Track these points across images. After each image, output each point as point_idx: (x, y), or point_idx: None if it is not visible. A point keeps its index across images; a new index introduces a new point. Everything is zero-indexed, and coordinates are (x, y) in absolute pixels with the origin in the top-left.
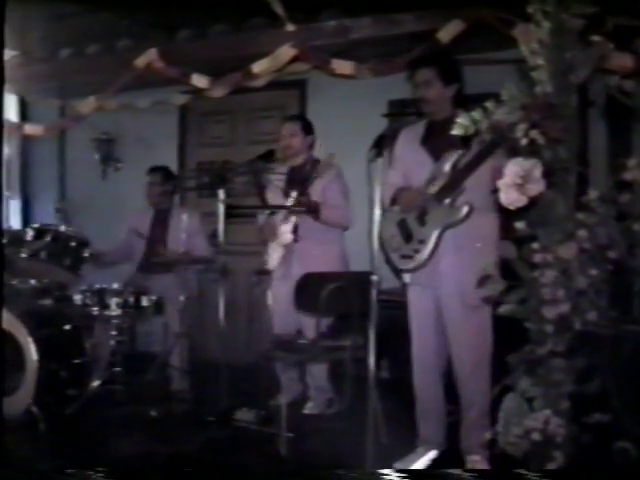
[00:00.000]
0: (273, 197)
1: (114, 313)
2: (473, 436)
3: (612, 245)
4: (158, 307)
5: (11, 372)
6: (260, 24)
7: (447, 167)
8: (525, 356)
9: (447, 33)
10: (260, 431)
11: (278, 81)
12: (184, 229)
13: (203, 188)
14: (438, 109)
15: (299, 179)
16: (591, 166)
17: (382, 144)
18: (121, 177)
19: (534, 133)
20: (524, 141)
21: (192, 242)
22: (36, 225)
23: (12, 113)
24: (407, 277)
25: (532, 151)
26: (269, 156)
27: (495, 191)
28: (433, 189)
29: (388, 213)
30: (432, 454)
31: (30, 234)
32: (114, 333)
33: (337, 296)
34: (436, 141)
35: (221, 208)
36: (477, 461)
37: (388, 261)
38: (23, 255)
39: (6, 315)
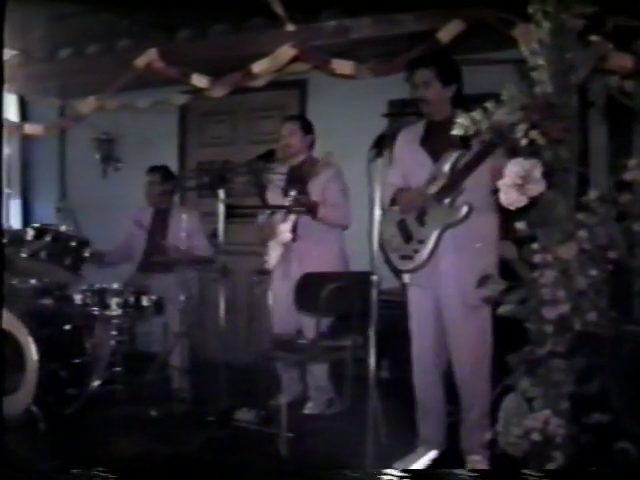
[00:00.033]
0: (273, 197)
1: (114, 313)
2: (473, 436)
3: (612, 245)
4: (158, 307)
5: (11, 372)
6: (260, 24)
7: (446, 167)
8: (525, 356)
9: (447, 33)
10: (260, 431)
11: (278, 81)
12: (184, 229)
13: (203, 188)
14: (437, 109)
15: (298, 178)
16: (591, 166)
17: (382, 144)
18: (121, 177)
19: (534, 133)
20: (524, 141)
21: (192, 242)
22: (36, 225)
23: (12, 113)
24: (407, 277)
25: (532, 151)
26: (269, 156)
27: (495, 191)
28: (432, 189)
29: (388, 213)
30: (432, 454)
31: (30, 234)
32: (114, 333)
33: (337, 296)
34: (435, 141)
35: (221, 208)
36: (477, 461)
37: (388, 261)
38: (23, 255)
39: (6, 315)
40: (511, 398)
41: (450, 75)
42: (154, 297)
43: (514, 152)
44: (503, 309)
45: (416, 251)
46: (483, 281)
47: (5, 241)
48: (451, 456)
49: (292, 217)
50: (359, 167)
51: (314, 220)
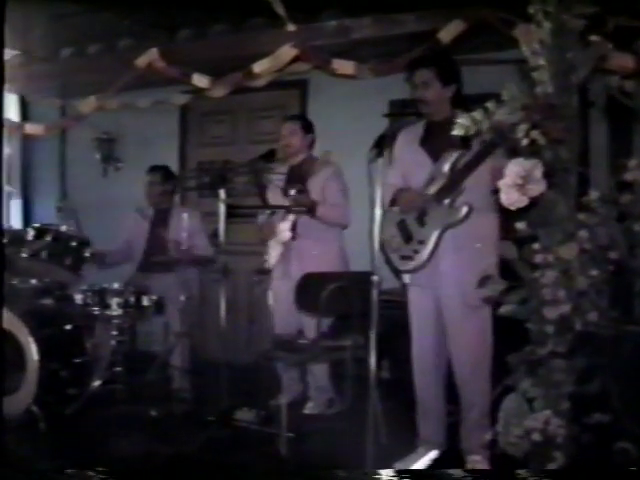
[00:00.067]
0: (273, 196)
1: (115, 313)
2: (473, 436)
3: (613, 246)
4: (159, 307)
5: (12, 372)
6: (261, 24)
7: (446, 167)
8: (526, 356)
9: (448, 33)
10: (260, 431)
11: (279, 81)
12: (185, 229)
13: (204, 188)
14: (437, 110)
15: (298, 178)
16: (592, 167)
17: (383, 144)
18: (122, 177)
19: (535, 133)
20: (525, 141)
21: (193, 242)
22: (37, 225)
23: (13, 113)
24: (407, 278)
25: (533, 151)
26: (270, 156)
27: (496, 191)
28: (432, 190)
29: (388, 214)
30: (432, 454)
31: (31, 234)
32: (115, 333)
33: (338, 296)
34: (435, 142)
35: (222, 208)
36: (477, 461)
37: (388, 262)
38: (24, 255)
39: (7, 315)
40: (511, 398)
41: (450, 75)
42: (155, 297)
43: (515, 152)
44: (504, 309)
45: (416, 251)
46: (483, 281)
47: (6, 241)
48: (451, 456)
49: (291, 216)
50: (359, 167)
51: (313, 219)
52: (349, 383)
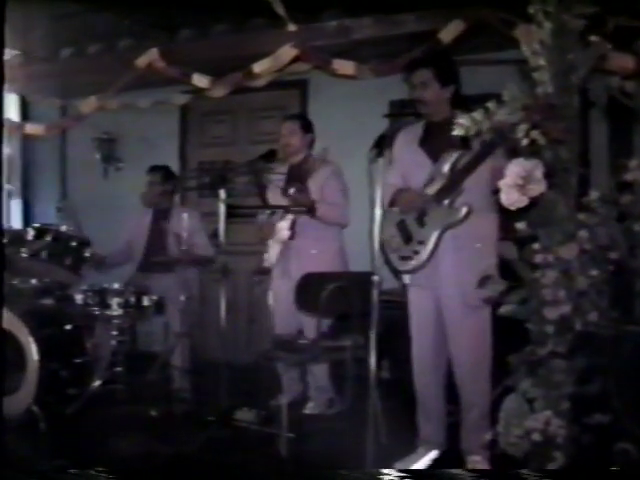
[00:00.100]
0: (273, 196)
1: (115, 313)
2: (473, 437)
3: (613, 246)
4: (159, 307)
5: (12, 372)
6: (261, 24)
7: (446, 168)
8: (526, 357)
9: (448, 33)
10: (260, 431)
11: (279, 81)
12: (185, 229)
13: (204, 188)
14: (436, 110)
15: (298, 177)
16: (592, 167)
17: (383, 144)
18: (122, 177)
19: (535, 134)
20: (525, 142)
21: (193, 242)
22: (37, 225)
23: (13, 112)
24: (407, 278)
25: (533, 152)
26: (270, 156)
27: (496, 191)
28: (432, 190)
29: (387, 214)
30: (433, 454)
31: (31, 234)
32: (115, 333)
33: (338, 296)
34: (434, 142)
35: (222, 208)
36: (478, 461)
37: (387, 262)
38: (24, 255)
39: (7, 315)
40: (512, 398)
41: (448, 76)
42: (155, 297)
43: (515, 152)
44: (504, 309)
45: (416, 252)
46: (484, 281)
47: (6, 241)
48: (451, 456)
49: (291, 215)
50: (360, 167)
51: (313, 218)
52: (349, 383)
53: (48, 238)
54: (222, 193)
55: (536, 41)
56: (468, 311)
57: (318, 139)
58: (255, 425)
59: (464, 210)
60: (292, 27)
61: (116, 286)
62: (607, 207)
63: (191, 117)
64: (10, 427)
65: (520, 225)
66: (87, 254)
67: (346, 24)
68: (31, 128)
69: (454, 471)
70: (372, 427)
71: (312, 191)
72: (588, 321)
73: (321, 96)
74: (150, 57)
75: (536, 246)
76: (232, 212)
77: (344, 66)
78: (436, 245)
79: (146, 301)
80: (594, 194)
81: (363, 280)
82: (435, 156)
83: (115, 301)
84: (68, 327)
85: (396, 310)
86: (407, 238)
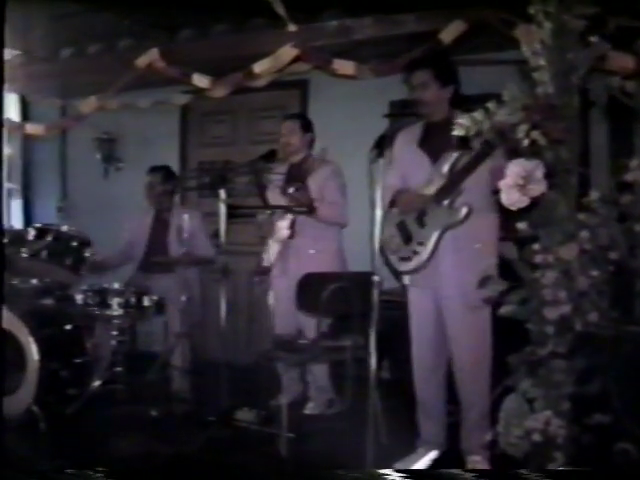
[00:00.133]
0: (273, 196)
1: (115, 313)
2: (473, 437)
3: (613, 246)
4: (159, 307)
5: (12, 372)
6: (261, 24)
7: (445, 168)
8: (526, 357)
9: (449, 34)
10: (261, 431)
11: (279, 81)
12: (185, 229)
13: (204, 188)
14: (435, 111)
15: (297, 176)
16: (592, 167)
17: (383, 144)
18: (122, 177)
19: (535, 134)
20: (525, 142)
21: (194, 242)
22: (37, 225)
23: (13, 112)
24: (407, 279)
25: (534, 152)
26: (270, 156)
27: (496, 192)
28: (432, 190)
29: (387, 215)
30: (433, 454)
31: (31, 234)
32: (115, 333)
33: (338, 296)
34: (434, 142)
35: (222, 208)
36: (478, 461)
37: (387, 263)
38: (24, 255)
39: (7, 315)
40: (512, 399)
41: (447, 76)
42: (155, 297)
43: (515, 153)
44: (504, 310)
45: (415, 252)
46: (484, 282)
47: (6, 241)
48: (451, 456)
49: (290, 214)
50: (360, 167)
51: (312, 218)
52: (349, 383)
53: (48, 238)
54: (222, 193)
55: (536, 41)
56: (468, 311)
57: (318, 139)
58: (255, 425)
59: (464, 211)
60: (292, 27)
61: (116, 286)
62: (607, 207)
63: (191, 117)
64: (10, 427)
65: (521, 225)
66: (87, 254)
67: (346, 24)
68: (31, 128)
69: (454, 471)
70: (372, 427)
71: (312, 190)
72: (588, 321)
73: (321, 96)
74: (150, 57)
75: (536, 246)
76: (232, 212)
77: (344, 66)
78: (436, 245)
79: (146, 301)
80: (594, 194)
81: (363, 280)
82: (435, 156)
83: (115, 301)
84: (68, 327)
85: (396, 310)
86: (407, 239)
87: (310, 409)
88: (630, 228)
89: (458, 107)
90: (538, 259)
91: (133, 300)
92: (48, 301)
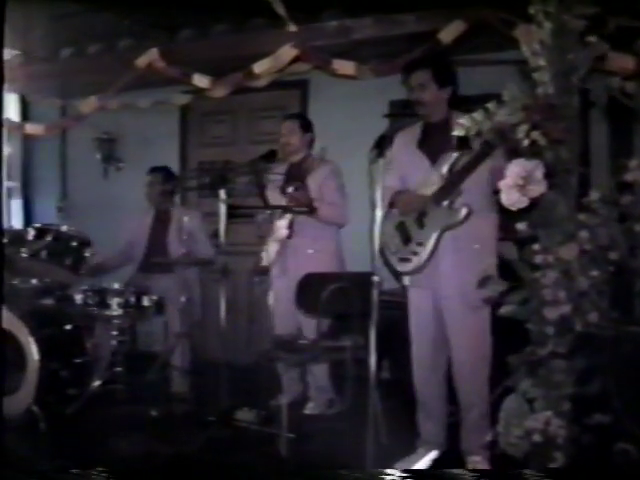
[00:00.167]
0: (272, 196)
1: (115, 313)
2: (473, 437)
3: (613, 246)
4: (159, 307)
5: (12, 372)
6: (261, 24)
7: (444, 169)
8: (526, 357)
9: (448, 34)
10: (261, 431)
11: (279, 81)
12: (185, 229)
13: (204, 188)
14: (433, 111)
15: (297, 176)
16: (592, 167)
17: (383, 145)
18: (122, 177)
19: (535, 134)
20: (526, 142)
21: (193, 242)
22: (37, 225)
23: (13, 112)
24: (406, 279)
25: (533, 152)
26: (271, 156)
27: (496, 192)
28: (431, 191)
29: (386, 215)
30: (433, 455)
31: (31, 234)
32: (115, 333)
33: (338, 296)
34: (432, 143)
35: (222, 208)
36: (478, 462)
37: (387, 263)
38: (24, 255)
39: (7, 315)
40: (512, 399)
41: (446, 77)
42: (155, 297)
43: (515, 153)
44: (504, 310)
45: (415, 253)
46: (484, 282)
47: (6, 241)
48: (452, 457)
49: (289, 214)
50: (360, 167)
51: (311, 217)
52: (349, 383)
53: (48, 238)
54: (222, 193)
55: (536, 41)
56: (468, 312)
57: (318, 139)
58: (255, 425)
59: (464, 211)
60: (292, 27)
61: (116, 286)
62: (607, 207)
63: (191, 117)
64: (10, 427)
65: (520, 225)
66: (87, 254)
67: (346, 24)
68: (31, 128)
69: (455, 471)
70: (372, 427)
71: (311, 190)
72: (588, 321)
73: (321, 96)
74: (150, 57)
75: (536, 246)
76: (232, 212)
77: (344, 66)
78: (435, 246)
79: (146, 301)
80: (594, 194)
81: (363, 280)
82: (433, 157)
83: (115, 301)
84: (68, 327)
85: (396, 310)
86: (406, 239)
87: (310, 409)
88: (630, 228)
89: (457, 108)
90: (538, 259)
91: (133, 300)
92: (48, 301)
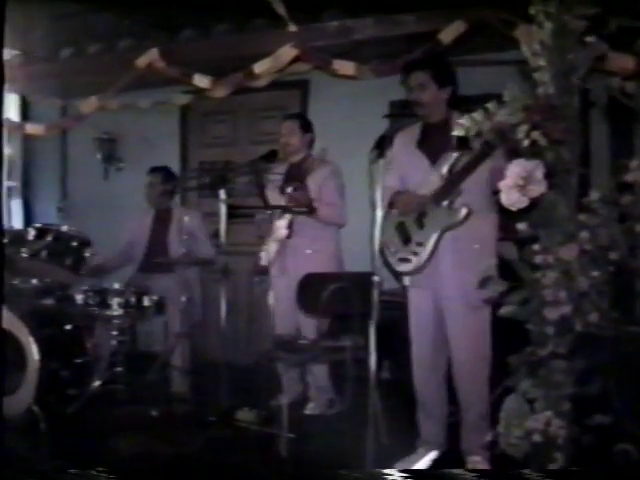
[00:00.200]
0: (272, 196)
1: (115, 313)
2: (473, 437)
3: (613, 246)
4: (159, 307)
5: (12, 371)
6: (262, 24)
7: (444, 169)
8: (526, 357)
9: (449, 34)
10: (261, 431)
11: (280, 81)
12: (185, 229)
13: (204, 188)
14: (433, 112)
15: (297, 176)
16: (593, 167)
17: (384, 145)
18: (123, 177)
19: (536, 134)
20: (526, 142)
21: (194, 242)
22: (37, 225)
23: (13, 112)
24: (407, 279)
25: (534, 152)
26: (271, 156)
27: (496, 192)
28: (431, 191)
29: (386, 216)
30: (433, 455)
31: (31, 234)
32: (115, 333)
33: (338, 296)
34: (432, 143)
35: (223, 208)
36: (478, 462)
37: (386, 264)
38: (24, 255)
39: (7, 315)
40: (512, 399)
41: (445, 77)
42: (155, 297)
43: (516, 153)
44: (504, 310)
45: (415, 253)
46: (484, 282)
47: (6, 241)
48: (452, 457)
49: (288, 214)
50: (360, 167)
51: (310, 218)
52: (349, 383)
53: (49, 238)
54: (223, 193)
55: (537, 42)
56: (468, 312)
57: (318, 139)
58: (255, 425)
59: (464, 211)
60: (293, 27)
61: (116, 286)
62: (607, 208)
63: (192, 117)
64: (10, 427)
65: (521, 226)
66: (87, 254)
67: (347, 24)
68: (31, 128)
69: (455, 471)
70: (372, 427)
71: (311, 190)
72: (588, 322)
73: (321, 96)
74: (150, 57)
75: (536, 247)
76: (233, 212)
77: (345, 66)
78: (435, 246)
79: (146, 301)
80: (595, 195)
81: (363, 280)
82: (433, 157)
83: (115, 301)
84: (68, 327)
85: (396, 310)
86: (406, 240)
87: (310, 409)
88: (630, 228)
89: (456, 108)
90: (538, 259)
91: (133, 300)
92: (48, 301)
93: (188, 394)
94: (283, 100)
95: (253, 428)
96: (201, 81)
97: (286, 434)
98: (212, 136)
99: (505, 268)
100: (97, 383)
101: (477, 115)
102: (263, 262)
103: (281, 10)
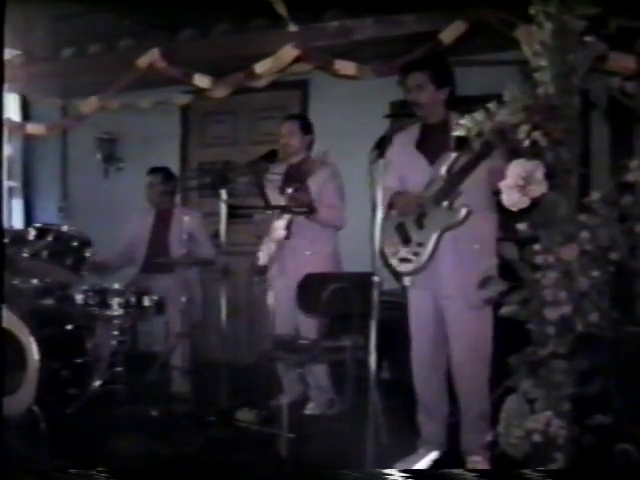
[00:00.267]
0: (272, 196)
1: (116, 313)
2: (473, 437)
3: (614, 247)
4: (159, 307)
5: (12, 371)
6: (262, 24)
7: (443, 170)
8: (526, 357)
9: (449, 34)
10: (261, 431)
11: (280, 81)
12: (186, 229)
13: (205, 188)
14: (431, 112)
15: (296, 177)
16: (593, 168)
17: (384, 145)
18: (123, 177)
19: (536, 134)
20: (526, 142)
21: (194, 243)
22: (38, 224)
23: (14, 112)
24: (407, 280)
25: (534, 152)
26: (271, 156)
27: (497, 192)
28: (430, 192)
29: (386, 216)
30: (433, 455)
31: (32, 233)
32: (115, 333)
33: (338, 297)
34: (431, 144)
35: (223, 208)
36: (478, 462)
37: (387, 264)
38: (25, 255)
39: (8, 314)
40: (512, 399)
41: (443, 78)
42: (155, 297)
43: (516, 153)
44: (505, 310)
45: (415, 254)
46: (484, 282)
47: (7, 241)
48: (452, 457)
49: (287, 215)
50: (360, 168)
51: (309, 219)
52: (349, 383)
53: (49, 238)
54: (223, 193)
55: (537, 42)
56: (469, 312)
57: (319, 139)
58: (255, 425)
59: (464, 211)
60: (293, 27)
61: (117, 286)
62: (608, 208)
63: (192, 117)
64: (10, 427)
65: (521, 226)
66: (88, 254)
67: (347, 25)
68: (32, 128)
69: (455, 471)
70: (372, 427)
71: (311, 191)
72: (589, 322)
73: (322, 96)
74: (151, 57)
75: (537, 247)
76: (233, 212)
77: (345, 66)
78: (435, 247)
79: (147, 301)
80: (595, 195)
81: (363, 281)
82: (432, 158)
83: (116, 301)
84: (69, 327)
85: (396, 311)
86: (406, 240)
87: (310, 409)
88: (630, 229)
89: (454, 108)
90: (539, 260)
91: (133, 300)
92: (49, 301)
93: (188, 394)
94: (283, 100)
95: (253, 428)
96: (202, 81)
97: (286, 434)
98: (212, 136)
99: (505, 268)
100: (97, 383)
101: (478, 115)
102: (261, 262)
103: (281, 10)
